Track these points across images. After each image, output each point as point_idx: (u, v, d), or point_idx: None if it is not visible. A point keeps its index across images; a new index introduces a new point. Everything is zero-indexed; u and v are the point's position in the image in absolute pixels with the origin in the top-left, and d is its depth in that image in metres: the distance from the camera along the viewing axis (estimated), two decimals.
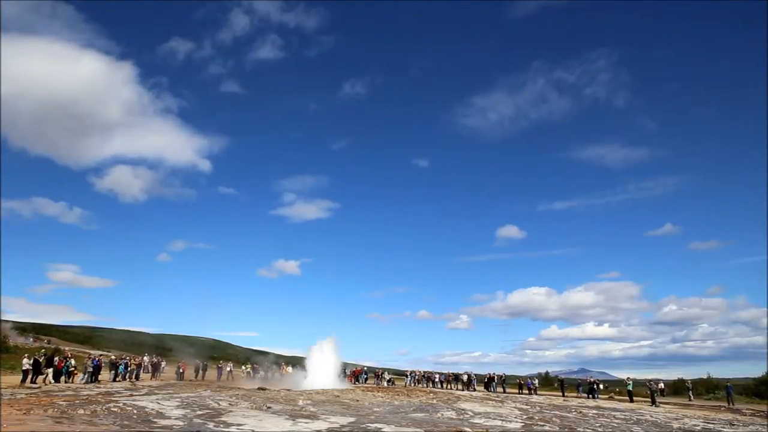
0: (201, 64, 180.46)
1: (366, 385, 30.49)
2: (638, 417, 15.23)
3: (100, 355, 29.30)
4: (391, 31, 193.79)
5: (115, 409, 10.87)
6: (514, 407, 16.81)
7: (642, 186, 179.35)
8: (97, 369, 21.82)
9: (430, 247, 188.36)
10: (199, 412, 11.18)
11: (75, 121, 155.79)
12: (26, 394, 14.20)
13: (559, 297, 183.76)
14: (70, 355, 24.01)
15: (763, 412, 18.96)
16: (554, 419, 13.33)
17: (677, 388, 32.42)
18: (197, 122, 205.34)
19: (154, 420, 9.68)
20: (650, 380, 25.09)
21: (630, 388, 24.59)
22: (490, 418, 13.02)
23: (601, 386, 32.90)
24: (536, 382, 30.77)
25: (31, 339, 54.15)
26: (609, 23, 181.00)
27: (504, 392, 28.73)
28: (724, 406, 22.10)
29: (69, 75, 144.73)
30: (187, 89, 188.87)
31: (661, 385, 23.62)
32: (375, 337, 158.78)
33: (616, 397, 27.68)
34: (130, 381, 23.02)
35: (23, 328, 62.31)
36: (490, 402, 19.00)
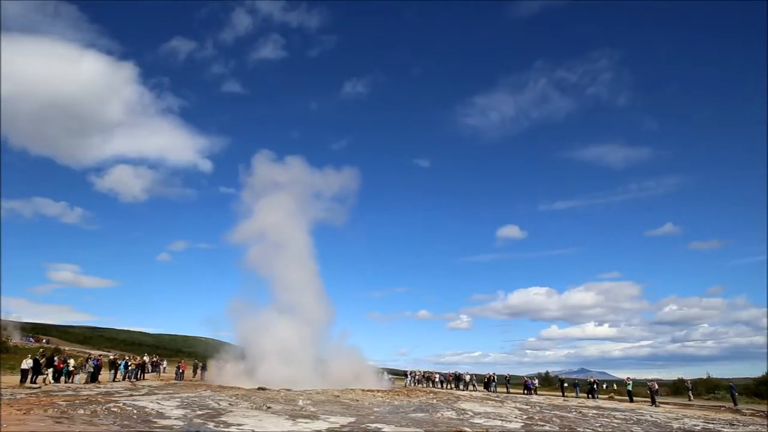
0: (203, 63, 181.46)
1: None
2: (638, 417, 15.22)
3: (100, 355, 29.33)
4: (392, 30, 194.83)
5: (115, 409, 10.86)
6: (514, 407, 16.80)
7: (643, 186, 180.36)
8: (97, 369, 21.82)
9: (430, 247, 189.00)
10: (199, 412, 11.18)
11: (76, 121, 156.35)
12: (26, 394, 14.20)
13: (560, 297, 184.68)
14: (68, 355, 24.05)
15: (763, 412, 18.93)
16: (554, 419, 13.33)
17: (677, 388, 32.41)
18: (198, 122, 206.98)
19: (154, 420, 9.68)
20: (649, 380, 25.11)
21: (630, 388, 24.59)
22: (490, 418, 13.02)
23: (605, 386, 32.98)
24: (536, 382, 30.76)
25: (32, 339, 54.15)
26: (611, 23, 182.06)
27: (507, 392, 28.72)
28: (725, 406, 22.09)
29: (70, 75, 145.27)
30: (188, 89, 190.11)
31: (655, 385, 23.57)
32: (375, 337, 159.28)
33: (616, 397, 27.68)
34: (130, 381, 23.02)
35: (23, 328, 62.24)
36: (490, 402, 18.98)
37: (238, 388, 20.43)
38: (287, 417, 11.07)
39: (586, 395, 26.53)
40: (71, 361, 21.50)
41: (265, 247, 29.26)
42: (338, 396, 17.84)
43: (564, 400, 22.83)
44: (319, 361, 26.90)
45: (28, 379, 18.46)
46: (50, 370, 19.52)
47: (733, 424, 14.17)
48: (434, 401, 17.78)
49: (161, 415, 10.40)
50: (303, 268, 28.97)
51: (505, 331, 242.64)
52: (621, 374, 42.52)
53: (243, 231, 30.08)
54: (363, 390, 21.54)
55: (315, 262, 30.27)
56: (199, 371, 30.23)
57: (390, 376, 35.01)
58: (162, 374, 30.39)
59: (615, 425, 12.77)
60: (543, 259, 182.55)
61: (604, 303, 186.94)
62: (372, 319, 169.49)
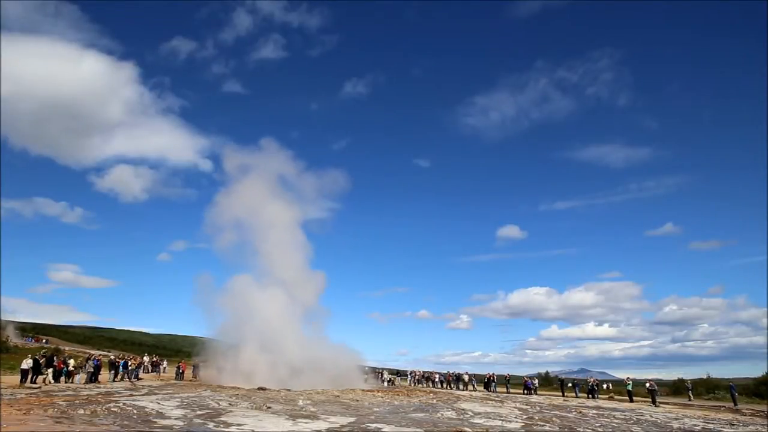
0: (203, 63, 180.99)
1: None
2: (638, 417, 15.22)
3: (100, 355, 29.32)
4: (393, 30, 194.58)
5: (115, 409, 10.86)
6: (514, 407, 16.80)
7: (643, 186, 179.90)
8: (97, 369, 21.82)
9: (430, 247, 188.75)
10: (199, 412, 11.18)
11: (76, 121, 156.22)
12: (26, 394, 14.20)
13: (560, 297, 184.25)
14: (68, 355, 24.02)
15: (763, 412, 18.93)
16: (554, 419, 13.32)
17: (677, 388, 32.42)
18: (199, 122, 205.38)
19: (154, 420, 9.68)
20: (648, 380, 25.14)
21: (630, 388, 24.61)
22: (490, 418, 13.02)
23: (605, 386, 32.99)
24: (536, 382, 30.75)
25: (32, 339, 54.10)
26: (611, 23, 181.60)
27: (507, 392, 28.71)
28: (725, 406, 22.09)
29: (70, 75, 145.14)
30: (188, 89, 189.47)
31: (649, 385, 23.61)
32: (375, 337, 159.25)
33: (616, 397, 27.68)
34: (130, 381, 23.02)
35: (23, 328, 62.17)
36: (490, 402, 18.99)
37: (238, 388, 20.43)
38: (287, 417, 11.07)
39: (586, 395, 26.54)
40: (71, 361, 21.50)
41: (242, 226, 29.30)
42: (338, 396, 17.85)
43: (564, 400, 22.83)
44: (303, 347, 26.07)
45: (28, 379, 18.46)
46: (50, 370, 19.52)
47: (733, 424, 14.17)
48: (434, 401, 17.78)
49: (161, 415, 10.40)
50: (285, 237, 28.73)
51: (505, 331, 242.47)
52: (621, 374, 42.62)
53: (219, 217, 30.06)
54: (363, 390, 21.55)
55: (301, 233, 30.16)
56: (198, 371, 30.17)
57: (391, 375, 35.03)
58: (162, 374, 30.37)
59: (615, 425, 12.77)
60: (543, 259, 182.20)
61: (604, 303, 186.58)
62: (372, 319, 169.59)
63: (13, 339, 47.42)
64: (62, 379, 20.07)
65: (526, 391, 28.47)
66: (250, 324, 25.99)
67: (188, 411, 11.35)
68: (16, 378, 19.17)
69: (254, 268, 29.51)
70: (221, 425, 9.43)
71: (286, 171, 32.76)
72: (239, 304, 26.91)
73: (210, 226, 30.44)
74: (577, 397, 26.95)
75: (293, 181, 33.26)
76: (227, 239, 29.38)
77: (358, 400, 16.43)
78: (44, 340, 53.28)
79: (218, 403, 13.30)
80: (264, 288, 27.42)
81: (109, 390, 17.00)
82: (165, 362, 33.05)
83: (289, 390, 19.66)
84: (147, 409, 11.23)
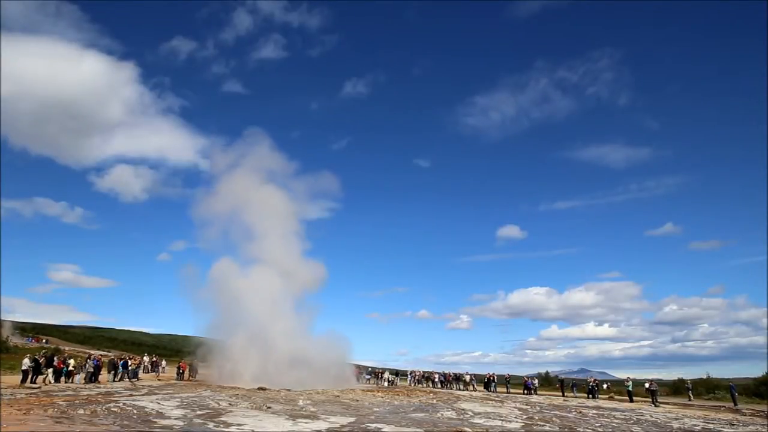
0: (203, 63, 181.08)
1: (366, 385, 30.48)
2: (638, 417, 15.22)
3: (100, 355, 29.29)
4: (393, 30, 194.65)
5: (115, 409, 10.86)
6: (514, 407, 16.80)
7: (643, 186, 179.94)
8: (97, 369, 21.81)
9: (430, 247, 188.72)
10: (199, 412, 11.18)
11: (76, 121, 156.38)
12: (26, 394, 14.19)
13: (560, 297, 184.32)
14: (68, 355, 23.99)
15: (763, 412, 18.94)
16: (554, 419, 13.32)
17: (677, 388, 32.41)
18: (199, 122, 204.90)
19: (154, 420, 9.68)
20: (648, 380, 25.17)
21: (630, 388, 24.60)
22: (490, 418, 13.01)
23: (605, 386, 32.97)
24: (536, 382, 30.74)
25: (32, 339, 54.04)
26: (612, 23, 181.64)
27: (507, 392, 28.70)
28: (725, 406, 22.08)
29: (70, 75, 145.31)
30: (189, 89, 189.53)
31: (649, 385, 23.64)
32: (375, 337, 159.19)
33: (616, 397, 27.67)
34: (129, 381, 23.00)
35: (23, 328, 62.12)
36: (490, 402, 18.99)
37: (238, 387, 20.43)
38: (287, 417, 11.07)
39: (585, 395, 26.53)
40: (71, 361, 21.48)
41: (234, 220, 29.36)
42: (338, 396, 17.85)
43: (564, 400, 22.82)
44: (293, 338, 25.78)
45: (28, 379, 18.45)
46: (50, 370, 19.51)
47: (733, 424, 14.17)
48: (434, 401, 17.78)
49: (161, 415, 10.40)
50: (278, 225, 28.63)
51: (505, 331, 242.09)
52: (621, 374, 42.55)
53: (209, 211, 30.07)
54: (363, 390, 21.54)
55: (296, 222, 30.22)
56: (196, 371, 30.12)
57: (392, 376, 35.01)
58: (162, 374, 30.36)
59: (615, 425, 12.77)
60: (543, 259, 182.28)
61: (604, 303, 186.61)
62: (372, 319, 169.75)
63: (11, 338, 47.30)
64: (62, 379, 20.05)
65: (526, 391, 28.45)
66: (237, 311, 25.80)
67: (188, 411, 11.35)
68: (16, 378, 19.17)
69: (250, 262, 29.51)
70: (221, 425, 9.42)
71: (283, 171, 32.85)
72: (224, 291, 26.75)
73: (200, 220, 30.51)
74: (576, 397, 26.94)
75: (292, 181, 33.34)
76: (218, 232, 29.46)
77: (358, 400, 16.43)
78: (44, 340, 53.27)
79: (218, 403, 13.30)
80: (249, 272, 27.38)
81: (109, 390, 16.99)
82: (164, 362, 33.05)
83: (289, 390, 19.65)
84: (147, 409, 11.23)
